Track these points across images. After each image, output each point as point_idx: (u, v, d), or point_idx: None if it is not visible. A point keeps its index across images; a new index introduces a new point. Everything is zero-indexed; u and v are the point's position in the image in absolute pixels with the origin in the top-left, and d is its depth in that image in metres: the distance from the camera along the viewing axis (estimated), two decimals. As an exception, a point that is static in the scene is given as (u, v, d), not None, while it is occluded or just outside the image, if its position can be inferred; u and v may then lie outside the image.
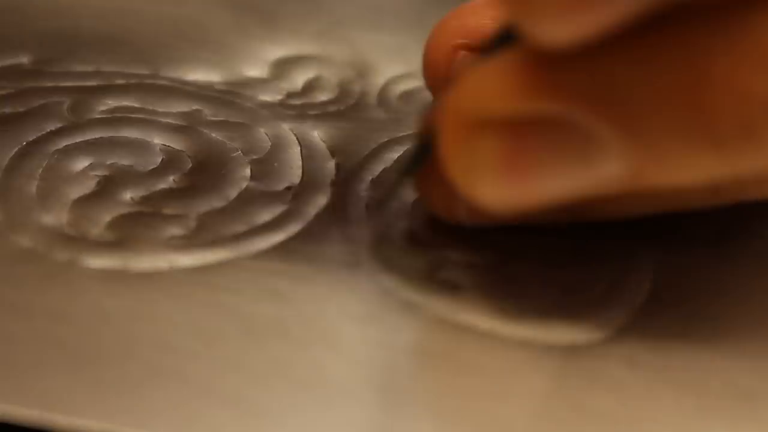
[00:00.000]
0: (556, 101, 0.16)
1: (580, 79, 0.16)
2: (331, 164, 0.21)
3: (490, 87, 0.16)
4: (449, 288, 0.18)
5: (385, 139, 0.22)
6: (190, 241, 0.18)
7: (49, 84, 0.22)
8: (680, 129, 0.16)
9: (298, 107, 0.23)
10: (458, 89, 0.16)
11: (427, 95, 0.24)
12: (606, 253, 0.19)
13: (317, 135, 0.22)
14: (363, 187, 0.20)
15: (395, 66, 0.25)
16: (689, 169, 0.16)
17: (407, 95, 0.24)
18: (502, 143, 0.16)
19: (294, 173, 0.20)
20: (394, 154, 0.21)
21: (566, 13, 0.14)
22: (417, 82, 0.24)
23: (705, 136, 0.16)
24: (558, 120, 0.16)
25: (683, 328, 0.18)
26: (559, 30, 0.15)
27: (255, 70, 0.24)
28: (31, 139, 0.20)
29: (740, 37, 0.15)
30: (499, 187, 0.16)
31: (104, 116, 0.21)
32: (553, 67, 0.15)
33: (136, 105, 0.22)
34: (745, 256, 0.19)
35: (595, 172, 0.16)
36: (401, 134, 0.22)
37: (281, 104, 0.23)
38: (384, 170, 0.21)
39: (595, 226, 0.19)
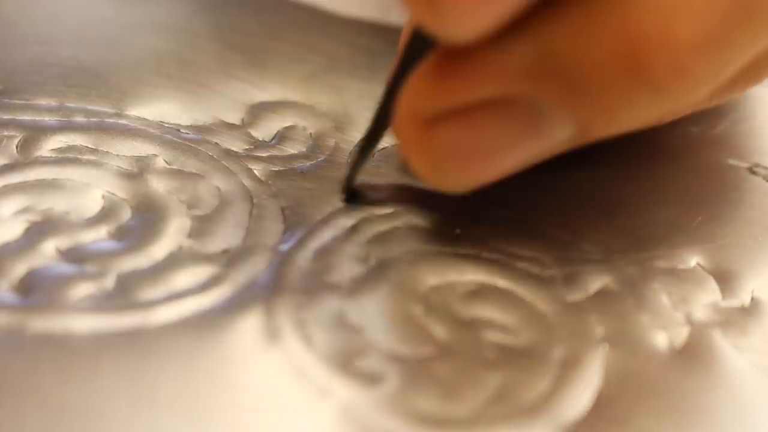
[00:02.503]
0: (500, 83, 0.17)
1: (517, 57, 0.16)
2: (279, 227, 0.20)
3: (434, 83, 0.17)
4: (367, 379, 0.17)
5: (341, 205, 0.20)
6: (98, 304, 0.17)
7: (6, 117, 0.21)
8: (620, 82, 0.17)
9: (263, 160, 0.22)
10: (407, 93, 0.18)
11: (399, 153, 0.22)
12: (546, 354, 0.17)
13: (273, 193, 0.21)
14: (305, 257, 0.19)
15: (377, 121, 0.23)
16: (634, 115, 0.18)
17: (383, 155, 0.22)
18: (457, 132, 0.17)
19: (236, 234, 0.19)
20: (349, 221, 0.20)
21: (466, 11, 0.15)
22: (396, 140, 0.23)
23: (644, 84, 0.17)
24: (505, 100, 0.17)
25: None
26: (462, 28, 0.15)
27: (229, 115, 0.23)
28: (-30, 175, 0.20)
29: None
30: (463, 171, 0.18)
31: (52, 156, 0.21)
32: (489, 51, 0.16)
33: (90, 145, 0.21)
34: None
35: (548, 138, 0.18)
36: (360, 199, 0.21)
37: (246, 155, 0.22)
38: (333, 239, 0.20)
39: (542, 324, 0.18)
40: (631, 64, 0.16)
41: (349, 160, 0.21)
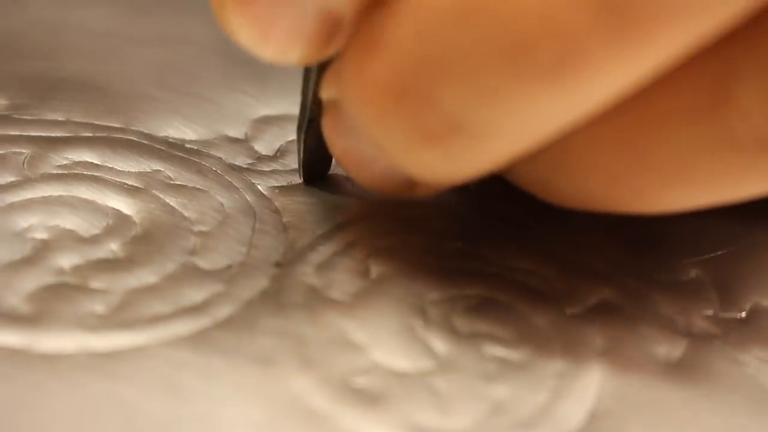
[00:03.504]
0: None
1: None
2: (281, 242, 0.20)
3: None
4: (365, 399, 0.17)
5: (342, 220, 0.21)
6: (106, 321, 0.17)
7: (15, 132, 0.22)
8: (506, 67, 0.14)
9: (266, 174, 0.22)
10: None
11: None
12: (545, 367, 0.18)
13: (276, 208, 0.21)
14: (306, 272, 0.19)
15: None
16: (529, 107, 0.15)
17: (385, 167, 0.23)
18: None
19: (239, 250, 0.20)
20: (350, 236, 0.20)
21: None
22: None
23: (528, 71, 0.14)
24: None
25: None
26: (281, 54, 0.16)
27: (233, 129, 0.23)
28: (-22, 192, 0.20)
29: None
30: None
31: (60, 172, 0.21)
32: None
33: (96, 161, 0.21)
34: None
35: None
36: (358, 211, 0.21)
37: (249, 169, 0.22)
38: (333, 254, 0.20)
39: (541, 337, 0.18)
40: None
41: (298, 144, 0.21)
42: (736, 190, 0.16)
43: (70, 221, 0.20)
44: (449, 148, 0.16)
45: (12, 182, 0.20)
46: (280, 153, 0.23)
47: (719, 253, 0.21)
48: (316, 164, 0.21)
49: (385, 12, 0.15)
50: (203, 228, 0.20)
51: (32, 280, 0.18)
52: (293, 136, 0.23)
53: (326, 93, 0.18)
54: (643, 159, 0.16)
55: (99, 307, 0.18)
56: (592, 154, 0.16)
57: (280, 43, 0.16)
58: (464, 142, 0.15)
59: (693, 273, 0.20)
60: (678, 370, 0.18)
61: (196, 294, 0.18)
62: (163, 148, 0.22)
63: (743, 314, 0.19)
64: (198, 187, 0.21)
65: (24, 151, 0.21)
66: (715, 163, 0.15)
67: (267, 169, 0.22)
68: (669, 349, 0.18)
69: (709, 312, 0.19)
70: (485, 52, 0.14)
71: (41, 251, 0.19)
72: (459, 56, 0.14)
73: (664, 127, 0.15)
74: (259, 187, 0.21)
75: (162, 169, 0.21)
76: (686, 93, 0.15)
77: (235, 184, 0.21)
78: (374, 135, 0.16)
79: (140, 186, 0.21)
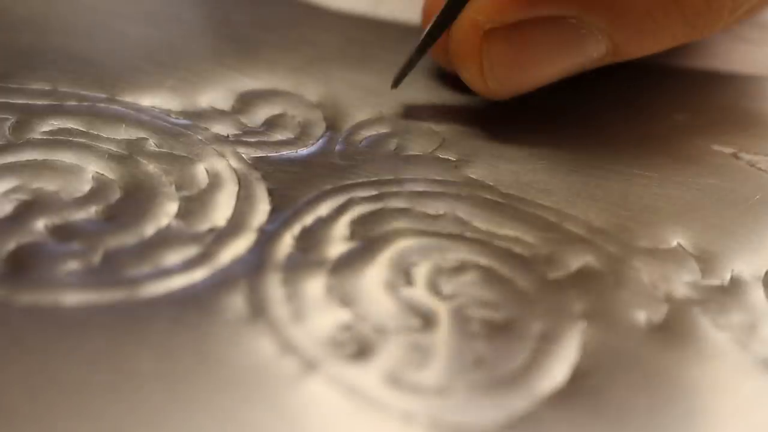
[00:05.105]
0: (554, 4, 0.20)
1: None
2: (265, 208, 0.20)
3: (498, 1, 0.21)
4: (353, 352, 0.17)
5: (329, 187, 0.21)
6: (84, 279, 0.17)
7: (1, 100, 0.22)
8: (656, 11, 0.20)
9: (251, 144, 0.22)
10: (472, 7, 0.21)
11: (390, 143, 0.23)
12: (526, 328, 0.18)
13: (261, 176, 0.21)
14: (290, 236, 0.19)
15: (366, 109, 0.24)
16: (662, 41, 0.21)
17: (370, 142, 0.23)
18: (510, 42, 0.21)
19: (222, 215, 0.20)
20: (333, 203, 0.20)
21: None
22: (383, 128, 0.23)
23: (676, 13, 0.20)
24: (555, 18, 0.20)
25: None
26: None
27: (219, 102, 0.23)
28: (-38, 155, 0.20)
29: None
30: (508, 77, 0.22)
31: (44, 137, 0.21)
32: None
33: (81, 128, 0.21)
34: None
35: (584, 55, 0.21)
36: (347, 182, 0.21)
37: (234, 140, 0.22)
38: (318, 220, 0.20)
39: (522, 300, 0.18)
40: None
41: (406, 58, 0.23)
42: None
43: (53, 184, 0.20)
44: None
45: (-4, 146, 0.20)
46: (266, 125, 0.23)
47: (701, 223, 0.21)
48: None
49: None
50: (187, 193, 0.20)
51: (13, 239, 0.18)
52: (280, 110, 0.23)
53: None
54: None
55: (78, 265, 0.18)
56: None
57: None
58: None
59: (674, 242, 0.20)
60: (658, 333, 0.18)
61: (176, 255, 0.18)
62: (149, 118, 0.22)
63: (724, 282, 0.19)
64: (183, 154, 0.21)
65: (9, 117, 0.21)
66: None
67: (253, 140, 0.22)
68: (650, 313, 0.18)
69: (690, 279, 0.19)
70: None
71: (23, 211, 0.19)
72: None
73: None
74: (243, 156, 0.21)
75: (147, 137, 0.21)
76: None
77: (221, 153, 0.21)
78: None
79: (125, 152, 0.21)
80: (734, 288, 0.19)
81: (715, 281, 0.19)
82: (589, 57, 0.21)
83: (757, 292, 0.19)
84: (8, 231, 0.18)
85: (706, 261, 0.20)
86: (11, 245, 0.18)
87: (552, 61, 0.21)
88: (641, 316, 0.18)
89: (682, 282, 0.19)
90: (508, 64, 0.21)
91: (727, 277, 0.19)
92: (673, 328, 0.18)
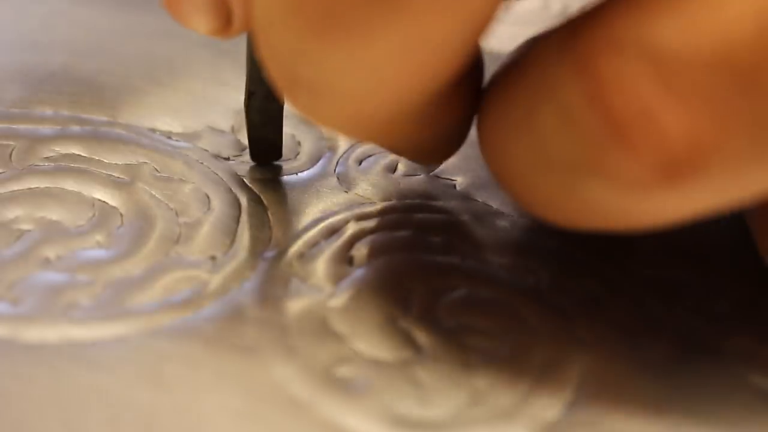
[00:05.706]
0: None
1: None
2: (265, 234, 0.20)
3: None
4: (346, 388, 0.17)
5: (328, 211, 0.21)
6: (89, 312, 0.18)
7: (2, 125, 0.22)
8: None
9: (252, 167, 0.22)
10: None
11: (386, 161, 0.23)
12: (527, 358, 0.18)
13: (262, 199, 0.21)
14: (290, 262, 0.20)
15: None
16: None
17: (370, 163, 0.23)
18: None
19: (223, 241, 0.20)
20: (332, 227, 0.21)
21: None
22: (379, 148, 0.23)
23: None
24: None
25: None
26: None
27: (219, 121, 0.24)
28: (-34, 184, 0.20)
29: None
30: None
31: (47, 165, 0.21)
32: None
33: (84, 154, 0.22)
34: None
35: None
36: (346, 205, 0.21)
37: (235, 162, 0.22)
38: (317, 246, 0.20)
39: (524, 328, 0.18)
40: None
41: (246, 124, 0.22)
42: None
43: (56, 213, 0.20)
44: (296, 100, 0.16)
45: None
46: (265, 146, 0.23)
47: (707, 251, 0.21)
48: (262, 143, 0.22)
49: None
50: (188, 219, 0.20)
51: (17, 271, 0.18)
52: (279, 129, 0.23)
53: None
54: None
55: (83, 298, 0.18)
56: None
57: (188, 16, 0.18)
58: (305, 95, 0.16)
59: (677, 269, 0.20)
60: (659, 363, 0.18)
61: (179, 285, 0.19)
62: (150, 141, 0.22)
63: (726, 308, 0.19)
64: (183, 179, 0.21)
65: (11, 143, 0.22)
66: None
67: (252, 162, 0.22)
68: (651, 342, 0.19)
69: (692, 306, 0.19)
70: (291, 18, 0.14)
71: (27, 243, 0.19)
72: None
73: None
74: (244, 179, 0.22)
75: (148, 162, 0.22)
76: None
77: (221, 176, 0.22)
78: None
79: (126, 178, 0.21)
80: (736, 314, 0.19)
81: (717, 307, 0.19)
82: None
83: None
84: (13, 263, 0.18)
85: (706, 287, 0.20)
86: (15, 278, 0.18)
87: None
88: (642, 345, 0.18)
89: (685, 309, 0.19)
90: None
91: (729, 303, 0.20)
92: (674, 358, 0.18)
